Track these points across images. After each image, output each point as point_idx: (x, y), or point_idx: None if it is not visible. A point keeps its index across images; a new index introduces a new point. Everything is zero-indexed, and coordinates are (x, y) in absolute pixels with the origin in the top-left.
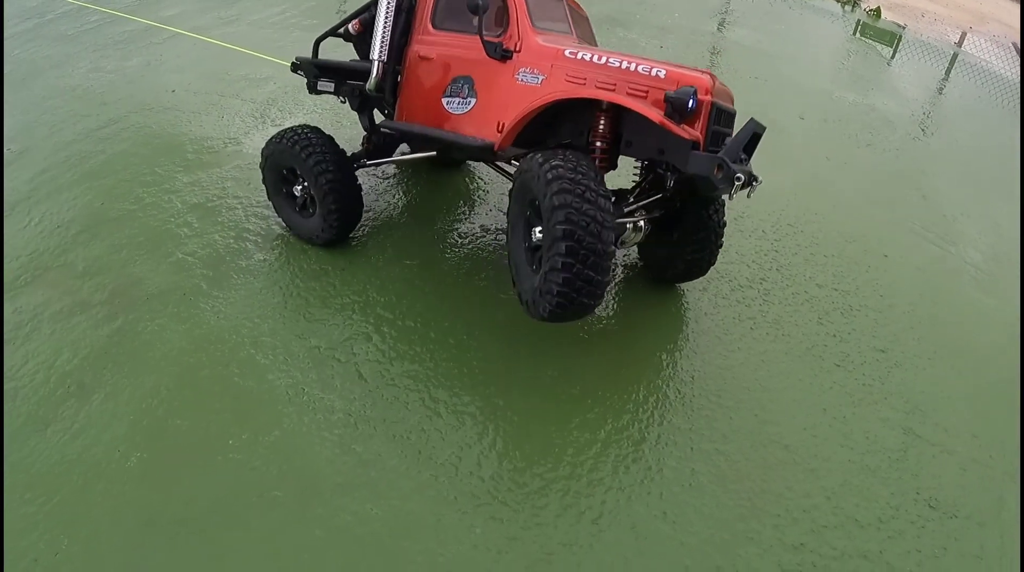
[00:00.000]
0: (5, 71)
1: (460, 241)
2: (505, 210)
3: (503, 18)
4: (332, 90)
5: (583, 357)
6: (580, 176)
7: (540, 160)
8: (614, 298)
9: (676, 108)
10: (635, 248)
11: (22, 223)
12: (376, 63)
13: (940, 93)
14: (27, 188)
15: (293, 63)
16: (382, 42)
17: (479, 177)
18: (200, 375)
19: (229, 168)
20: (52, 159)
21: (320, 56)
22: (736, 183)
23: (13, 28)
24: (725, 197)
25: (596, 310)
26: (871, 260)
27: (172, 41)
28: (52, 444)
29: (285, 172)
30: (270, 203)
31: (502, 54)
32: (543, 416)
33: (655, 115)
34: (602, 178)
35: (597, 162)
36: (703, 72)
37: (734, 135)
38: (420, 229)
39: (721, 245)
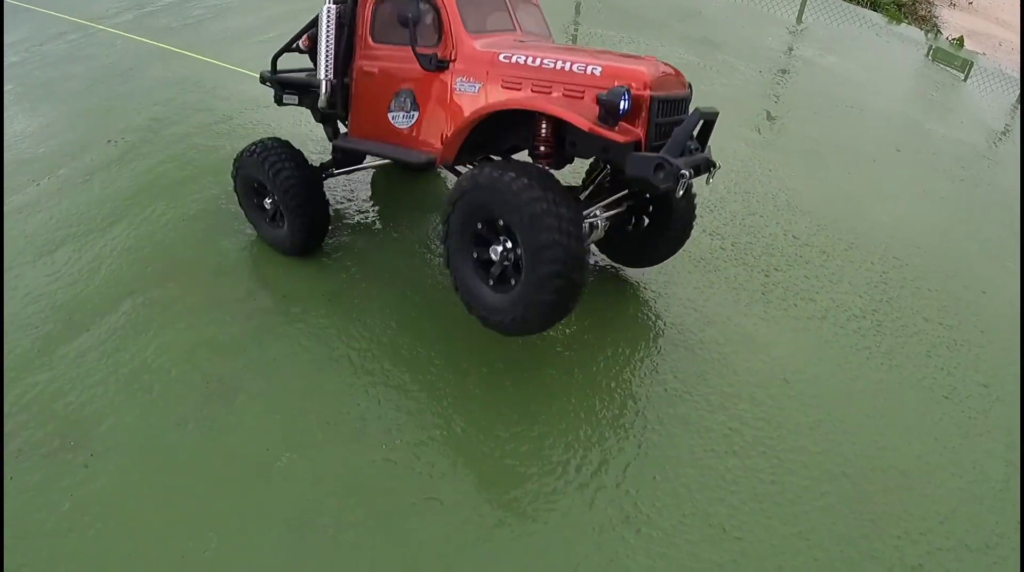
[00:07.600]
0: (108, 61)
1: None
2: None
3: (438, 27)
4: (297, 102)
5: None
6: (564, 210)
7: (508, 181)
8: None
9: (609, 111)
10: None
11: (144, 214)
12: (323, 82)
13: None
14: (147, 178)
15: (261, 76)
16: (326, 59)
17: None
18: (357, 379)
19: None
20: (167, 152)
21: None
22: (682, 179)
23: (114, 19)
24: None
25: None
26: (971, 295)
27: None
28: (194, 440)
29: (256, 185)
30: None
31: (437, 65)
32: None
33: (583, 122)
34: (574, 201)
35: (543, 166)
36: (642, 61)
37: (680, 127)
38: None
39: (694, 218)
